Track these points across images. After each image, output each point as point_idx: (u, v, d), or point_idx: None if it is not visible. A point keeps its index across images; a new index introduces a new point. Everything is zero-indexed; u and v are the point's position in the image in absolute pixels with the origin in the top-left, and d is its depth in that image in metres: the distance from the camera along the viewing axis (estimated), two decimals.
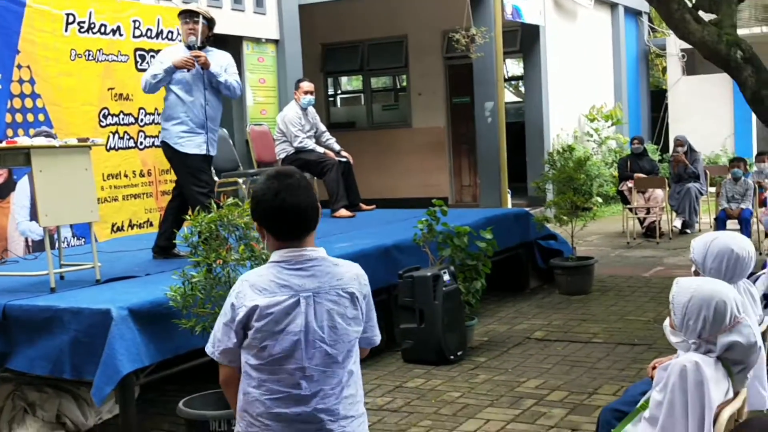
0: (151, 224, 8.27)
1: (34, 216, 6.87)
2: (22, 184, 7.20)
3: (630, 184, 11.51)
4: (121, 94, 8.19)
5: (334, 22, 14.38)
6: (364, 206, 8.96)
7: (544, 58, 13.74)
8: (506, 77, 16.35)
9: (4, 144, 5.29)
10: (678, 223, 11.62)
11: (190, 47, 6.11)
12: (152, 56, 8.03)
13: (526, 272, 8.61)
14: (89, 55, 7.90)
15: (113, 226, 8.04)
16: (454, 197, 14.62)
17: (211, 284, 4.29)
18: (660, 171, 12.37)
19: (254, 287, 2.56)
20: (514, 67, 16.59)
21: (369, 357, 6.27)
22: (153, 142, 8.29)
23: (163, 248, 6.28)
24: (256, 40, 10.63)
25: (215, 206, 4.40)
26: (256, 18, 10.59)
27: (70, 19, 7.72)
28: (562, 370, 5.85)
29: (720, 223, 10.16)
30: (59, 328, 4.68)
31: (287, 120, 8.67)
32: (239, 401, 2.61)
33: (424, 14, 14.12)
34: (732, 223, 10.10)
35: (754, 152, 13.38)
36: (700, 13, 7.74)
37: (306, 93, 8.72)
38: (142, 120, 8.37)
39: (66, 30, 7.68)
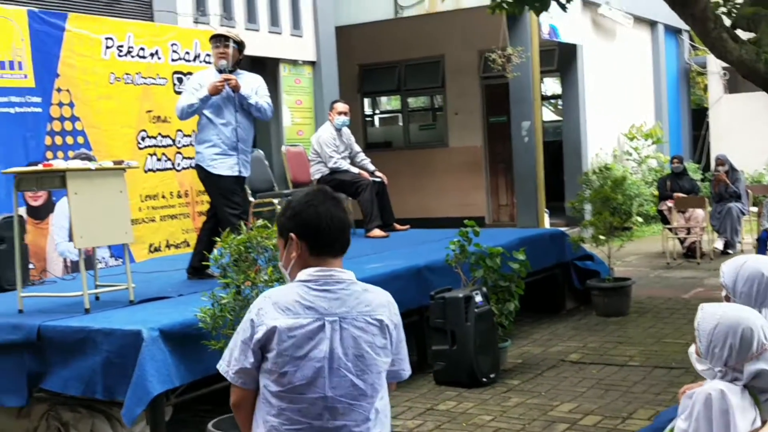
0: (188, 245, 8.35)
1: (72, 237, 6.97)
2: (61, 205, 7.32)
3: (670, 203, 11.35)
4: (159, 117, 8.31)
5: (371, 43, 14.47)
6: (398, 226, 8.96)
7: (582, 77, 13.67)
8: (544, 96, 16.30)
9: (40, 167, 5.39)
10: (719, 243, 11.43)
11: (221, 71, 6.18)
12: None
13: (563, 293, 8.52)
14: (128, 78, 8.04)
15: (150, 246, 8.14)
16: (491, 217, 14.55)
17: (240, 306, 4.32)
18: (701, 190, 12.20)
19: (277, 306, 2.43)
20: (554, 85, 16.52)
21: None
22: (190, 164, 8.38)
23: (197, 269, 6.33)
24: (293, 62, 10.73)
25: (244, 228, 4.43)
26: (293, 40, 10.70)
27: (109, 43, 7.86)
28: (596, 394, 5.76)
29: (762, 244, 9.95)
30: (92, 348, 4.73)
31: (322, 141, 8.72)
32: (257, 428, 2.47)
33: (460, 34, 14.14)
34: None
35: None
36: (738, 31, 7.64)
37: (340, 114, 8.77)
38: (179, 142, 8.48)
39: (105, 54, 7.83)
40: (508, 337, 6.68)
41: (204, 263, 6.03)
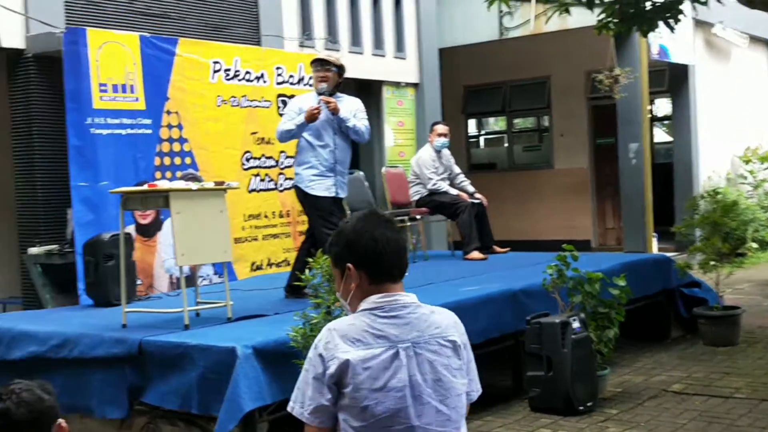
0: (288, 263, 8.48)
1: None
2: (169, 223, 7.57)
3: None
4: (263, 138, 8.51)
5: (476, 64, 14.45)
6: (498, 249, 8.87)
7: (693, 98, 13.28)
8: (656, 117, 15.89)
9: (145, 187, 5.59)
10: None
11: (320, 94, 6.30)
12: None
13: (668, 321, 8.24)
14: (234, 101, 8.27)
15: (252, 264, 8.32)
16: (597, 240, 14.25)
17: None
18: None
19: (345, 338, 2.31)
20: (666, 106, 16.09)
21: (495, 404, 6.18)
22: (292, 184, 8.53)
23: (294, 288, 6.43)
24: (396, 84, 10.83)
25: None
26: (396, 63, 10.80)
27: (217, 66, 8.11)
28: (698, 427, 5.54)
29: None
30: (189, 364, 4.86)
31: (421, 162, 8.75)
32: None
33: (567, 55, 13.96)
34: None
35: None
36: None
37: (440, 135, 8.79)
38: (282, 163, 8.66)
39: (212, 77, 8.08)
40: (608, 364, 6.50)
41: (299, 283, 6.11)
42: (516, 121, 15.74)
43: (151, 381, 5.03)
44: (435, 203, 8.49)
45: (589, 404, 5.98)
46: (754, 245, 13.16)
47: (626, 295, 6.37)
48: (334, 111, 6.23)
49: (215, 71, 8.10)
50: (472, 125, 16.17)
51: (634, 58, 11.64)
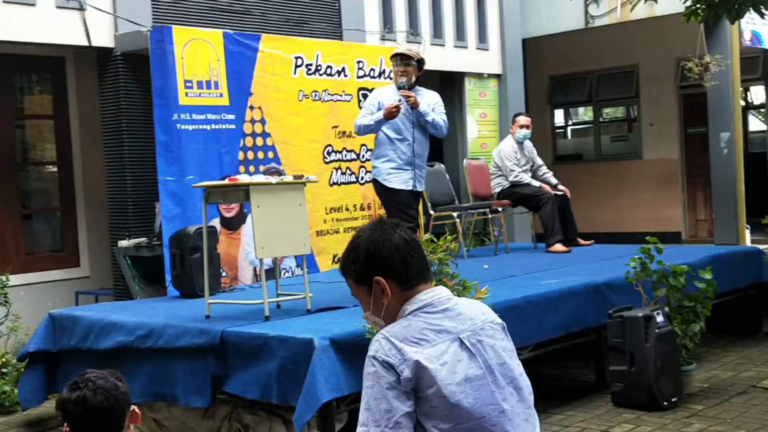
0: None
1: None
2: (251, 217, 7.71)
3: None
4: (344, 132, 8.57)
5: (562, 53, 14.22)
6: (581, 241, 8.73)
7: None
8: (750, 105, 15.36)
9: (227, 181, 5.71)
10: None
11: (400, 87, 6.32)
12: None
13: (759, 315, 8.00)
14: (315, 95, 8.36)
15: (334, 257, 8.39)
16: (688, 232, 13.87)
17: None
18: None
19: (406, 341, 2.20)
20: (762, 94, 15.51)
21: (577, 398, 6.11)
22: (371, 177, 8.59)
23: None
24: (479, 76, 10.76)
25: None
26: (478, 54, 10.73)
27: (299, 62, 8.21)
28: None
29: None
30: (269, 354, 4.94)
31: (503, 154, 8.68)
32: None
33: (655, 42, 13.61)
34: None
35: None
36: None
37: (522, 127, 8.70)
38: (363, 156, 8.72)
39: (294, 72, 8.18)
40: (694, 359, 6.34)
41: None
42: (606, 110, 15.43)
43: (233, 371, 5.13)
44: (517, 195, 8.41)
45: (673, 400, 5.86)
46: None
47: (713, 288, 6.20)
48: (414, 105, 6.24)
49: (297, 66, 8.20)
50: (558, 116, 15.93)
51: (725, 44, 11.25)
